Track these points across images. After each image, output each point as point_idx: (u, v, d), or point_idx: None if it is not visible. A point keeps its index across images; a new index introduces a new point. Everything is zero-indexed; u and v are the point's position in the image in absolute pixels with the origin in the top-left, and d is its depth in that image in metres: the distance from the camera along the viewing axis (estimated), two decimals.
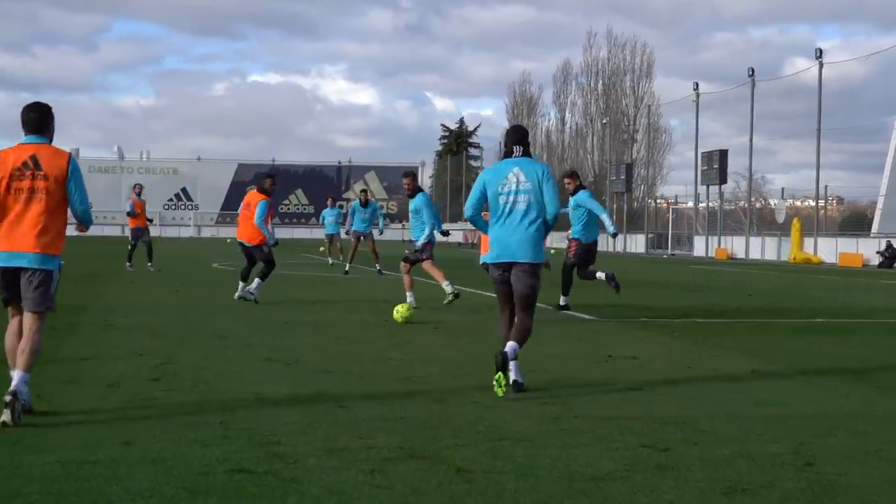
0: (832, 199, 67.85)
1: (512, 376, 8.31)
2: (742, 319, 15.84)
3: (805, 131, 55.31)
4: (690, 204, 67.63)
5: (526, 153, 9.09)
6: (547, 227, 8.90)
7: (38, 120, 7.51)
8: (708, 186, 61.01)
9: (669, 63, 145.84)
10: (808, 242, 51.12)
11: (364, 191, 29.57)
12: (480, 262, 12.80)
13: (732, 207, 68.15)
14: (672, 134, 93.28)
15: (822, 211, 56.67)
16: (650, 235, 72.31)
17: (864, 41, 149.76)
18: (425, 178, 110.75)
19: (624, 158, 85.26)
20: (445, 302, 16.16)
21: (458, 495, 5.23)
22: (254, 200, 17.06)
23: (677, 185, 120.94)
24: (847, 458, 6.11)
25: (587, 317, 15.49)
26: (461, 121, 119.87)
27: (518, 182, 8.85)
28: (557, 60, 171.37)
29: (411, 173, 17.45)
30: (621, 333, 13.30)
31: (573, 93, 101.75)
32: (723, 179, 58.77)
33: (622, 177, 71.95)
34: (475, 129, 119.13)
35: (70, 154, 7.60)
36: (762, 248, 55.62)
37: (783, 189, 62.67)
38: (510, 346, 8.46)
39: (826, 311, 17.83)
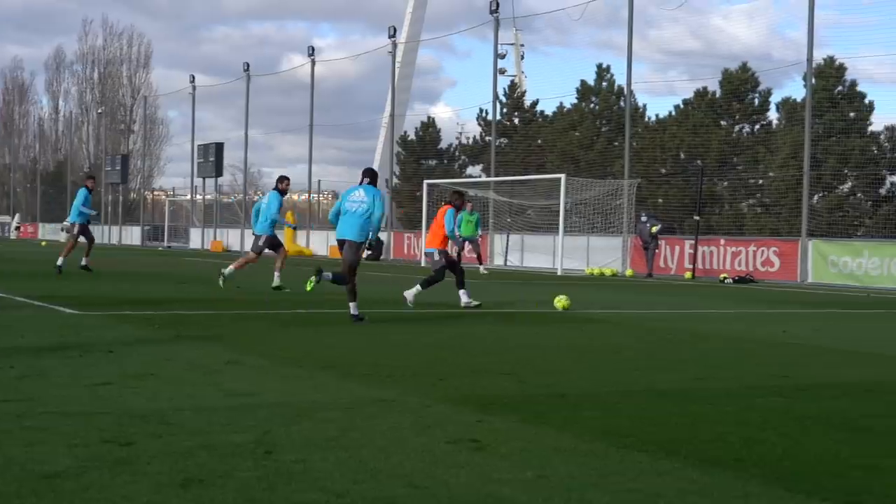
0: (327, 194, 69.89)
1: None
2: (225, 311, 15.94)
3: (301, 126, 56.66)
4: (189, 196, 67.44)
5: (371, 183, 15.03)
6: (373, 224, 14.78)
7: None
8: (204, 179, 61.09)
9: (170, 55, 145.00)
10: (302, 235, 52.43)
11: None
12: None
13: (230, 200, 68.67)
14: (170, 126, 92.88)
15: (316, 205, 58.30)
16: (146, 227, 71.45)
17: (359, 40, 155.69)
18: None
19: (120, 149, 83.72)
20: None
21: None
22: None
23: (175, 178, 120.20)
24: (308, 446, 6.24)
25: (67, 310, 15.02)
26: None
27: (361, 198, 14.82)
28: (51, 47, 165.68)
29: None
30: (102, 326, 12.99)
31: (67, 80, 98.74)
32: (219, 172, 59.07)
33: (118, 168, 70.59)
34: None
35: None
36: None
37: None
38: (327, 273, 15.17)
39: (306, 302, 18.27)
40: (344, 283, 14.80)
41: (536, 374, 9.77)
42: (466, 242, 33.70)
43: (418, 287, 17.49)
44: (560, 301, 17.68)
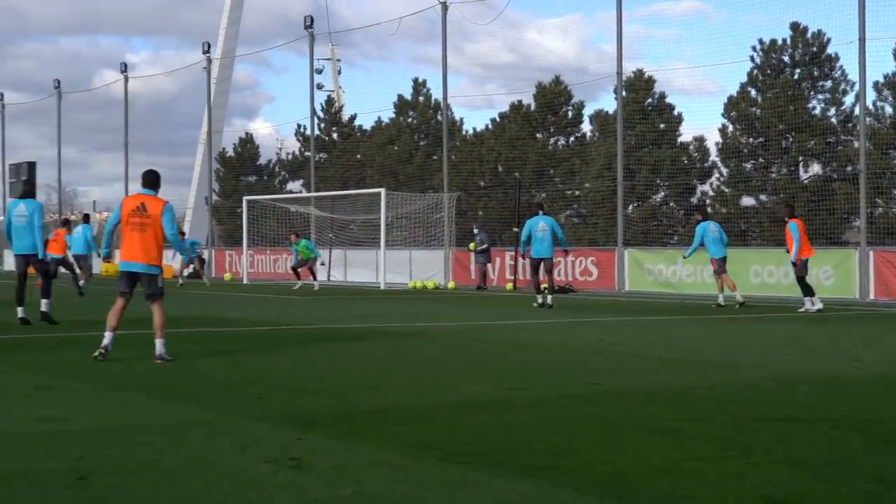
0: None
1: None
2: (38, 335, 15.54)
3: (117, 144, 55.56)
4: (1, 217, 65.52)
5: (546, 214, 22.56)
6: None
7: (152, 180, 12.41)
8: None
9: None
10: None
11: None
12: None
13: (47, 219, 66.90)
14: None
15: None
16: None
17: (173, 56, 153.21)
18: None
19: None
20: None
21: None
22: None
23: None
24: (122, 470, 6.15)
25: None
26: None
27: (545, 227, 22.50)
28: None
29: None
30: None
31: None
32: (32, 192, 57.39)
33: None
34: None
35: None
36: None
37: (95, 202, 62.62)
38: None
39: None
40: (539, 287, 23.04)
41: (355, 390, 9.80)
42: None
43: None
44: None
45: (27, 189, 17.92)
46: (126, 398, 9.17)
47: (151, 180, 12.39)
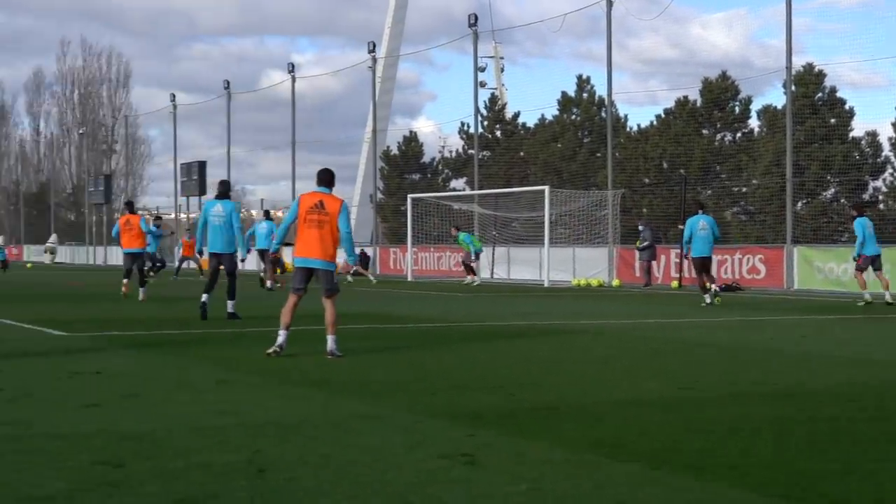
0: None
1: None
2: (215, 329, 15.92)
3: (283, 143, 56.76)
4: (173, 215, 67.43)
5: (706, 213, 21.45)
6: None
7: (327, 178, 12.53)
8: (188, 197, 61.00)
9: (147, 73, 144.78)
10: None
11: None
12: None
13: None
14: (152, 145, 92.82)
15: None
16: None
17: (338, 55, 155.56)
18: None
19: (103, 169, 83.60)
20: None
21: None
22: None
23: (159, 197, 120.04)
24: (300, 463, 6.25)
25: (56, 332, 15.00)
26: None
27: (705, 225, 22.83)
28: (30, 68, 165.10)
29: None
30: (90, 348, 13.01)
31: (47, 102, 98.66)
32: (203, 190, 58.94)
33: (101, 188, 70.46)
34: None
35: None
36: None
37: (262, 200, 63.86)
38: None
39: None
40: (705, 287, 22.99)
41: (524, 387, 9.79)
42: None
43: None
44: None
45: (223, 190, 18.58)
46: (299, 393, 9.34)
47: (327, 178, 12.58)
